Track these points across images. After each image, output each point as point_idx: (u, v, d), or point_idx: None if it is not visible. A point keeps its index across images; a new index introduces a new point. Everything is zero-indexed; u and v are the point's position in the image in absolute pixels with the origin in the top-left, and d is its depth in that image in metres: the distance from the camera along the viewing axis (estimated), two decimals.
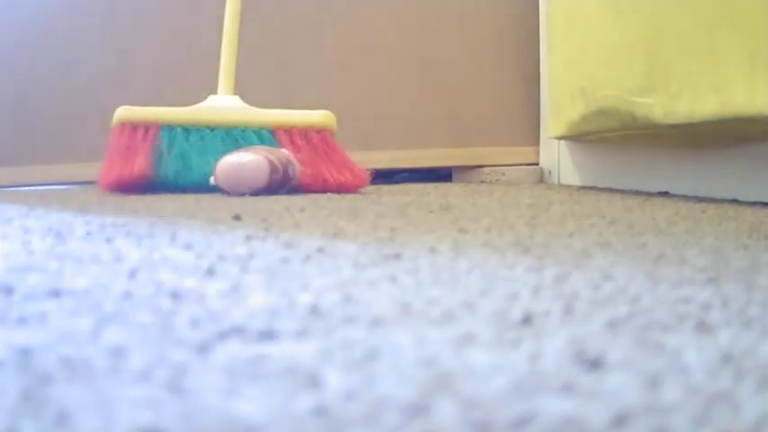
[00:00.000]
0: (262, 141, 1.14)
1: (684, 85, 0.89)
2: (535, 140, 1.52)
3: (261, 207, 0.82)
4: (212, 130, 1.15)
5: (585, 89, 1.14)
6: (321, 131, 1.15)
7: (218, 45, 1.26)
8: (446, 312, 0.32)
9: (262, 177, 1.01)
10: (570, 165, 1.39)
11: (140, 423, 0.20)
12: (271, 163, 1.02)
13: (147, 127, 1.13)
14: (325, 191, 1.09)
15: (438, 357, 0.26)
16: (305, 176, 1.09)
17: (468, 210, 0.81)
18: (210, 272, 0.41)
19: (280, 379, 0.23)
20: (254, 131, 1.16)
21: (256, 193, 1.01)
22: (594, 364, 0.25)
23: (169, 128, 1.13)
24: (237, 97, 1.20)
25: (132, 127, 1.12)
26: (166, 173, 1.12)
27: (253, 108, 1.18)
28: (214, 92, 1.20)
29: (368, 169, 1.14)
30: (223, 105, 1.18)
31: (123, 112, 1.14)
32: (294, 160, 1.06)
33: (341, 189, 1.10)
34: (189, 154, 1.13)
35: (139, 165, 1.11)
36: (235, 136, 1.14)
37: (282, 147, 1.12)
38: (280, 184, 1.03)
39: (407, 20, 1.55)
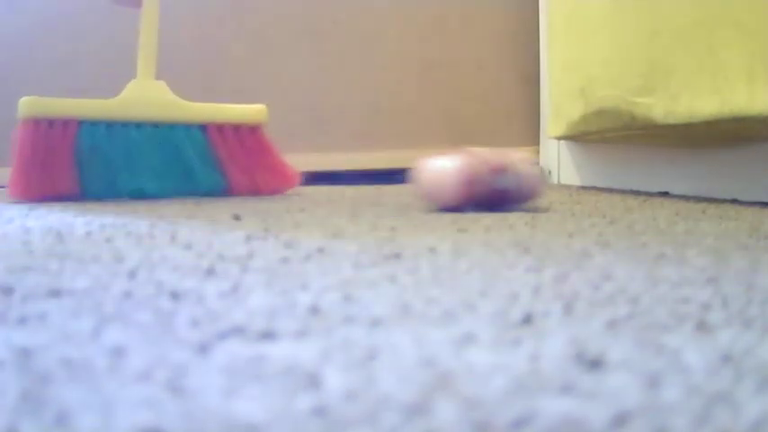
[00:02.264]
0: (191, 139, 1.04)
1: (684, 85, 0.89)
2: (535, 140, 1.52)
3: (261, 207, 0.82)
4: (138, 126, 1.01)
5: (585, 89, 1.14)
6: (255, 128, 1.08)
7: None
8: (446, 312, 0.32)
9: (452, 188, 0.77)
10: (570, 165, 1.39)
11: (140, 423, 0.20)
12: (470, 170, 0.77)
13: (66, 123, 0.97)
14: (255, 193, 1.07)
15: (438, 357, 0.26)
16: (236, 180, 1.06)
17: None
18: (210, 272, 0.41)
19: (280, 379, 0.23)
20: (185, 128, 1.04)
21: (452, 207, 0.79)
22: (594, 364, 0.25)
23: (90, 124, 0.98)
24: (163, 83, 1.06)
25: (48, 123, 0.96)
26: (92, 184, 0.97)
27: (180, 100, 1.06)
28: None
29: (300, 171, 1.11)
30: (150, 96, 1.03)
31: (32, 106, 0.96)
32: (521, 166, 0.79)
33: (273, 191, 1.09)
34: (114, 158, 0.98)
35: (62, 179, 0.95)
36: (163, 133, 1.02)
37: (215, 146, 1.05)
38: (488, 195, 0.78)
39: (407, 20, 1.55)
